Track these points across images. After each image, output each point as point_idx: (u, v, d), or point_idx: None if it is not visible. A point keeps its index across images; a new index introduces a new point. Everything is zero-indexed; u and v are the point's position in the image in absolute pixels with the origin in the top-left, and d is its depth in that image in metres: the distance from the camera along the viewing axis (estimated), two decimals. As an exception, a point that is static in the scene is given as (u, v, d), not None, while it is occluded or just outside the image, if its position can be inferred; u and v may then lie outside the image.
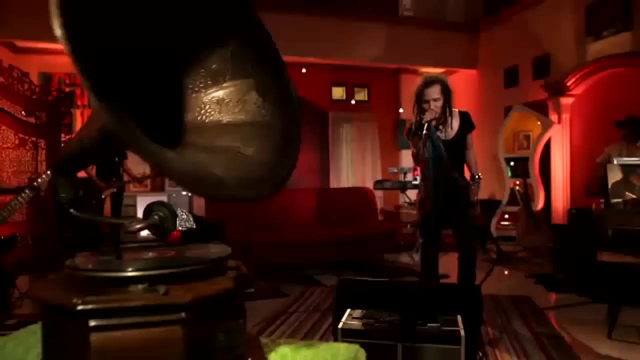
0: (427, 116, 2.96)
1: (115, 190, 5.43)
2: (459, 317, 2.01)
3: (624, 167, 2.94)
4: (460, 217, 3.12)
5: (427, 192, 3.04)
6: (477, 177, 3.26)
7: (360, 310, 2.15)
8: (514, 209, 6.17)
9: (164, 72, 0.72)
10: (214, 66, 0.75)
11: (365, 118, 8.25)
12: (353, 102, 8.18)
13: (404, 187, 6.00)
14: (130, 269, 0.66)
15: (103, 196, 5.35)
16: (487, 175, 7.53)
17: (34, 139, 3.82)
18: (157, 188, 7.17)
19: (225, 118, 0.75)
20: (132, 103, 0.64)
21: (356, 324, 2.00)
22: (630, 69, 5.41)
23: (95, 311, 0.58)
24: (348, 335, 1.95)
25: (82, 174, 5.55)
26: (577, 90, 6.10)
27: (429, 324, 1.94)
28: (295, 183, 8.00)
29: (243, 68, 0.78)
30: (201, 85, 0.75)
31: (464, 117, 3.16)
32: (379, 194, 7.88)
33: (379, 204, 8.21)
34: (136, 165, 6.90)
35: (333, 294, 2.36)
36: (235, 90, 0.76)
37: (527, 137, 6.50)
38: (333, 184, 8.13)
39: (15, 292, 3.79)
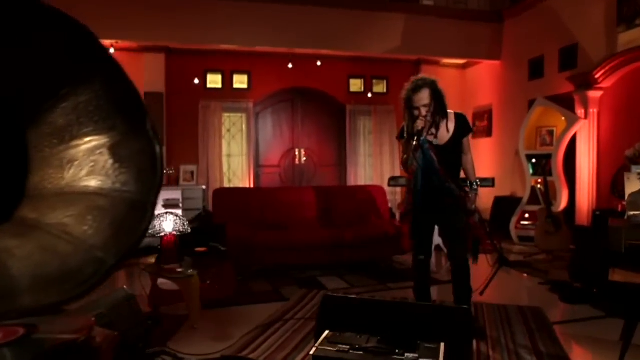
0: (418, 124, 2.80)
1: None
2: (442, 346, 1.87)
3: (643, 177, 2.70)
4: (454, 228, 2.97)
5: (410, 205, 2.90)
6: (474, 184, 3.08)
7: (339, 333, 2.04)
8: (535, 208, 5.89)
9: (4, 127, 0.62)
10: (60, 121, 0.64)
11: (384, 110, 8.03)
12: (370, 95, 7.96)
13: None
14: None
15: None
16: (508, 172, 7.24)
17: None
18: (172, 182, 7.21)
19: (69, 185, 0.64)
20: None
21: (331, 349, 1.89)
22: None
23: None
24: (323, 362, 1.85)
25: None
26: (606, 83, 5.73)
27: (406, 354, 1.81)
28: (312, 178, 7.90)
29: (94, 122, 0.66)
30: (46, 144, 0.64)
31: (460, 119, 2.99)
32: (398, 188, 7.70)
33: (399, 198, 8.04)
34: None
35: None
36: (85, 150, 0.65)
37: (551, 133, 6.17)
38: (350, 178, 7.98)
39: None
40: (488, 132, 7.85)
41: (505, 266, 4.36)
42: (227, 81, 7.59)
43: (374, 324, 2.10)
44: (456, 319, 2.10)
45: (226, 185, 7.48)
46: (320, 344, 1.94)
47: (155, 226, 3.21)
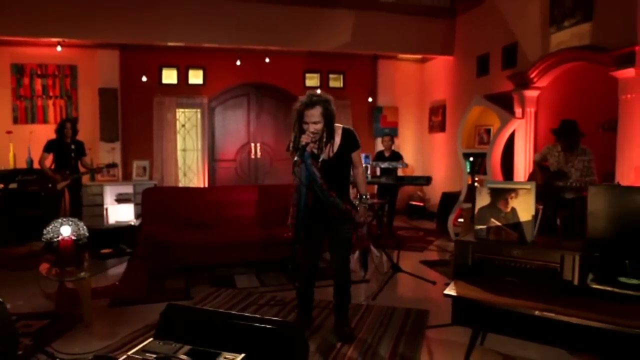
0: (304, 139, 2.88)
1: (69, 182, 5.64)
2: (239, 357, 2.02)
3: (493, 191, 2.80)
4: (338, 240, 3.08)
5: (293, 218, 2.99)
6: (364, 197, 3.17)
7: (159, 342, 2.19)
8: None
9: None
10: None
11: (340, 105, 8.08)
12: (318, 91, 7.99)
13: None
14: None
15: (58, 187, 5.59)
16: (459, 168, 7.31)
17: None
18: (128, 177, 7.37)
19: None
20: None
21: (138, 357, 2.04)
22: (589, 64, 5.05)
23: None
24: (126, 370, 2.00)
25: (38, 166, 5.79)
26: (542, 83, 5.78)
27: (201, 364, 1.96)
28: (267, 172, 8.03)
29: None
30: None
31: (347, 134, 3.05)
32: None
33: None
34: (106, 154, 7.12)
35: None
36: None
37: (488, 132, 6.24)
38: (306, 172, 8.09)
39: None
40: (442, 128, 7.92)
41: (399, 272, 4.51)
42: (182, 77, 7.68)
43: (204, 335, 2.25)
44: (281, 334, 2.24)
45: (181, 179, 7.64)
46: (134, 352, 2.09)
47: (49, 232, 3.36)
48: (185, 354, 2.07)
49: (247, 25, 6.82)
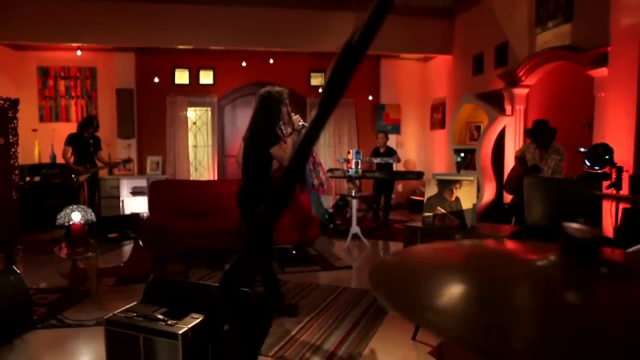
0: (300, 120, 3.34)
1: (89, 175, 6.19)
2: (201, 317, 2.43)
3: (440, 182, 3.12)
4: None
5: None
6: None
7: (142, 304, 2.63)
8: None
9: None
10: None
11: (343, 103, 8.44)
12: (320, 90, 8.36)
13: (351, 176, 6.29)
14: None
15: (80, 180, 6.14)
16: (451, 165, 7.55)
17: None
18: (142, 171, 7.92)
19: None
20: None
21: (122, 315, 2.47)
22: (570, 64, 5.26)
23: None
24: (112, 324, 2.44)
25: (60, 161, 6.37)
26: (530, 81, 6.00)
27: (170, 320, 2.38)
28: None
29: None
30: None
31: None
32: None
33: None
34: (123, 150, 7.68)
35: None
36: None
37: (478, 128, 6.48)
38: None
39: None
40: (442, 125, 8.17)
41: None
42: (194, 77, 8.17)
43: (179, 299, 2.67)
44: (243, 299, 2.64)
45: (192, 173, 8.14)
46: (120, 312, 2.53)
47: (62, 216, 3.85)
48: (162, 313, 2.50)
49: (253, 28, 7.24)
